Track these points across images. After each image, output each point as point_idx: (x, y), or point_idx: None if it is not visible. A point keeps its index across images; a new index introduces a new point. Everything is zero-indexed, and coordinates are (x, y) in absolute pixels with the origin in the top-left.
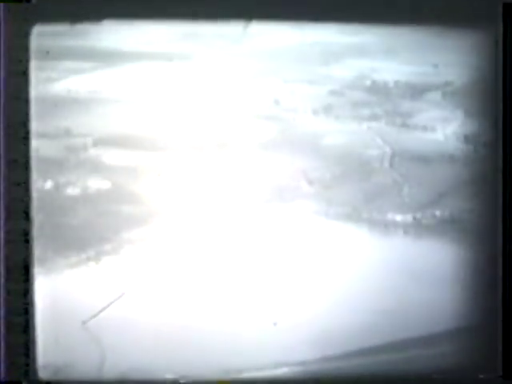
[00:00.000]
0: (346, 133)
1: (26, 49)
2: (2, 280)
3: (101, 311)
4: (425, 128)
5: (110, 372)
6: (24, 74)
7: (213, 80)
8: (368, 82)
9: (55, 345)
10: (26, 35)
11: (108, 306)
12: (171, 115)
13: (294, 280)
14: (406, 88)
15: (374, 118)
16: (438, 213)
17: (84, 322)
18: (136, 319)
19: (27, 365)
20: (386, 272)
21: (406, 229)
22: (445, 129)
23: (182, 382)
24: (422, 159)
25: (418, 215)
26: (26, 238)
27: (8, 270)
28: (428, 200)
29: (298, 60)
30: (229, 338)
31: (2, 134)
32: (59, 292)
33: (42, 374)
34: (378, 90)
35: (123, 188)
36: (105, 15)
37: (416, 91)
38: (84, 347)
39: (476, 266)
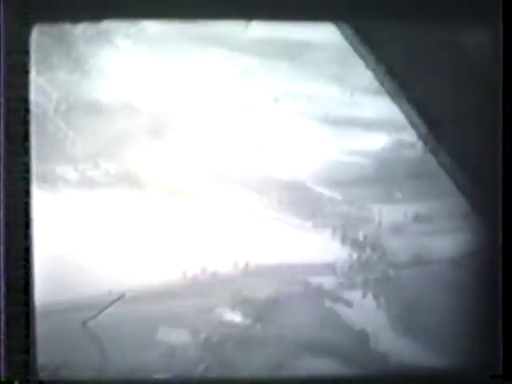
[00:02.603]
0: None
1: (26, 49)
2: (2, 280)
3: (101, 311)
4: (101, 73)
5: (109, 372)
6: (24, 74)
7: None
8: None
9: (55, 345)
10: (26, 35)
11: (108, 306)
12: None
13: None
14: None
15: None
16: (104, 164)
17: (84, 322)
18: (136, 319)
19: (27, 365)
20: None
21: (67, 181)
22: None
23: (182, 381)
24: (96, 107)
25: (82, 167)
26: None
27: (8, 267)
28: (95, 151)
29: None
30: None
31: (2, 133)
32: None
33: (42, 374)
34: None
35: None
36: (105, 15)
37: (98, 36)
38: (84, 347)
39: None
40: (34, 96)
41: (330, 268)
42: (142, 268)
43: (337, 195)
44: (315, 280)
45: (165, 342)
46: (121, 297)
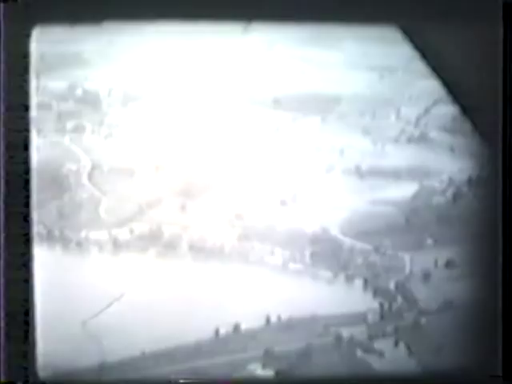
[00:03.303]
0: (47, 147)
1: (26, 49)
2: (2, 280)
3: (101, 311)
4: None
5: (109, 372)
6: (24, 74)
7: None
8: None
9: (55, 345)
10: (25, 36)
11: (108, 306)
12: None
13: None
14: (117, 96)
15: (78, 129)
16: (136, 227)
17: (84, 322)
18: (136, 319)
19: (27, 365)
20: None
21: (102, 246)
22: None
23: (181, 382)
24: (126, 171)
25: (115, 231)
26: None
27: (8, 270)
28: (127, 215)
29: None
30: None
31: (1, 133)
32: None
33: (42, 375)
34: (88, 100)
35: None
36: (105, 15)
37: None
38: (84, 347)
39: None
40: (64, 163)
41: (361, 318)
42: (174, 327)
43: (367, 246)
44: (347, 331)
45: None
46: (120, 297)
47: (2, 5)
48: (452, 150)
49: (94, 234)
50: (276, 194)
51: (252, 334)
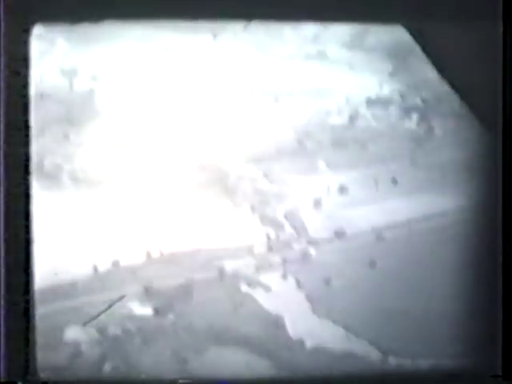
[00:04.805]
0: None
1: (26, 49)
2: (2, 279)
3: (101, 312)
4: None
5: (109, 372)
6: (24, 74)
7: None
8: None
9: (55, 345)
10: (26, 35)
11: (108, 307)
12: None
13: None
14: None
15: None
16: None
17: (84, 323)
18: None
19: (27, 365)
20: None
21: None
22: None
23: (181, 382)
24: None
25: None
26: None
27: (8, 270)
28: None
29: None
30: None
31: (1, 132)
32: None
33: (42, 374)
34: None
35: None
36: (105, 15)
37: None
38: (84, 347)
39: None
40: None
41: (247, 250)
42: (51, 265)
43: (256, 171)
44: (231, 264)
45: (71, 341)
46: (121, 298)
47: (1, 4)
48: (351, 67)
49: None
50: (165, 120)
51: (132, 270)
